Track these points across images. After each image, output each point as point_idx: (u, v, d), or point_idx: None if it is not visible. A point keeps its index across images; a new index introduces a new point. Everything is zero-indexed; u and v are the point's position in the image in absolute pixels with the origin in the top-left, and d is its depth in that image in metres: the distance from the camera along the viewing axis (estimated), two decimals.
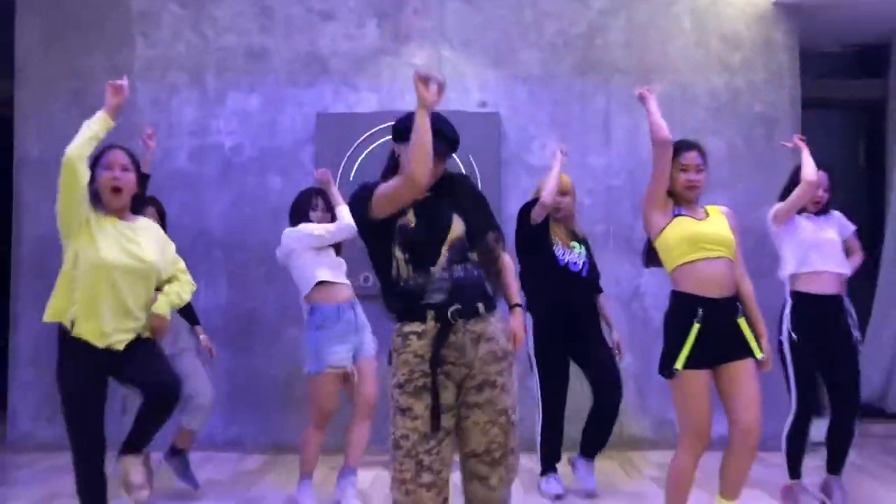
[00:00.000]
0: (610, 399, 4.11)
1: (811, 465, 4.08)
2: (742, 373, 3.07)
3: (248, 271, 5.42)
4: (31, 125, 5.55)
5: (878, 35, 6.23)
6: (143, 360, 3.13)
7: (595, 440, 4.18)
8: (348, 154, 5.35)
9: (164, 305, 3.19)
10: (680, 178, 3.21)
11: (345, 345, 3.83)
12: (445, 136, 2.49)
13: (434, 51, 5.55)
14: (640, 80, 5.45)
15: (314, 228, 3.91)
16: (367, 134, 5.36)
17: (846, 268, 3.93)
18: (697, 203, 3.26)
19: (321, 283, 3.83)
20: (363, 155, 5.32)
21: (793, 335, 3.80)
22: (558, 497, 4.09)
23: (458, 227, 2.50)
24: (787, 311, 3.87)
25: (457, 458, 2.48)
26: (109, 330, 3.02)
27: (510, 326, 2.74)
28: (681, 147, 3.24)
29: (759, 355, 3.07)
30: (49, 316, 3.12)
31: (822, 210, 4.01)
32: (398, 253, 2.44)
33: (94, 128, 3.03)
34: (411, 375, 2.40)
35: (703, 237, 3.11)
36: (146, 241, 3.16)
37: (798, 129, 5.48)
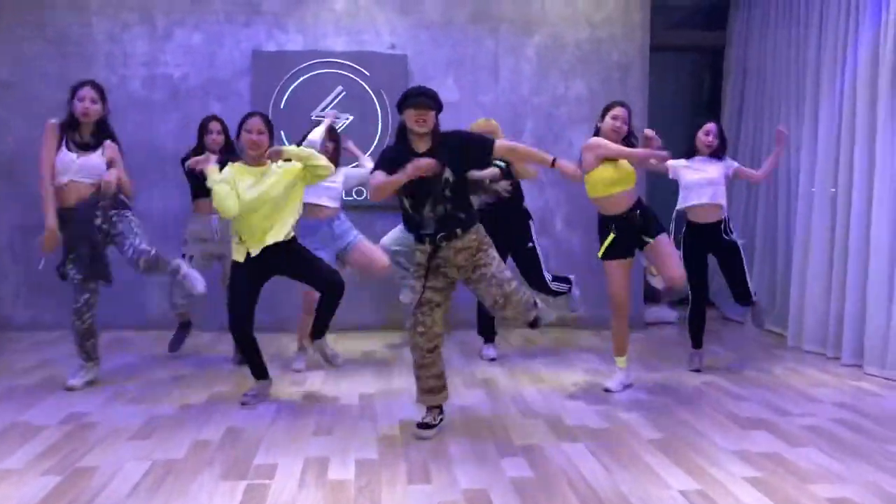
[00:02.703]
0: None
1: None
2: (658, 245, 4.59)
3: None
4: (1, 51, 6.35)
5: None
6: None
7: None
8: (279, 87, 6.39)
9: None
10: (610, 125, 4.53)
11: (325, 249, 5.00)
12: (425, 94, 3.75)
13: None
14: (523, 30, 6.67)
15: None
16: (295, 69, 6.39)
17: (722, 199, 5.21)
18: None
19: (306, 203, 4.90)
20: (291, 88, 6.37)
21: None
22: (493, 360, 5.55)
23: (447, 177, 3.70)
24: (683, 235, 5.25)
25: None
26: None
27: (561, 165, 3.88)
28: (613, 104, 4.60)
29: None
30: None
31: (714, 153, 5.23)
32: (404, 199, 3.78)
33: None
34: (417, 268, 3.86)
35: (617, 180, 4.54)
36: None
37: (646, 73, 6.80)
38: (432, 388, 3.93)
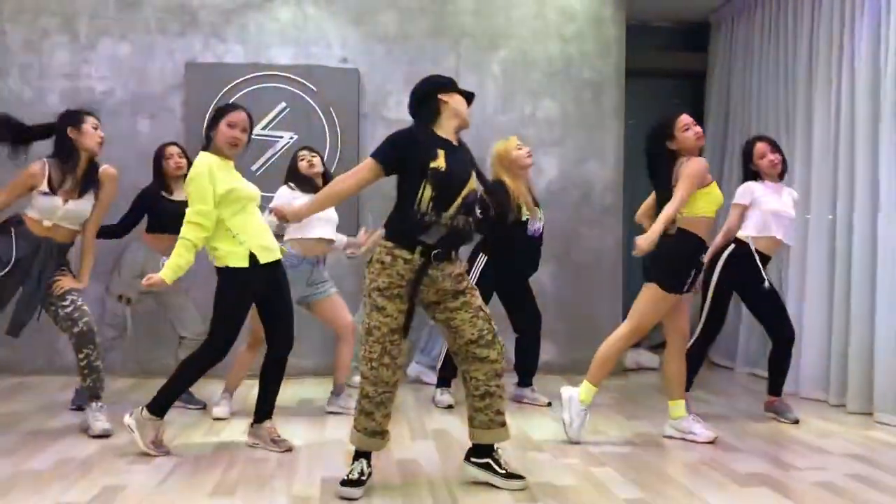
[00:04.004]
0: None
1: None
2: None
3: (118, 210, 5.75)
4: None
5: (701, 13, 7.04)
6: None
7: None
8: (215, 102, 5.73)
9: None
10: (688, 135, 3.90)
11: (295, 288, 4.23)
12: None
13: (299, 8, 5.97)
14: (486, 45, 6.10)
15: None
16: (233, 83, 5.76)
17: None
18: None
19: (309, 239, 4.47)
20: (230, 102, 5.72)
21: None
22: (450, 406, 4.77)
23: (473, 181, 3.15)
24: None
25: None
26: None
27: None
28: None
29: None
30: None
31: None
32: (427, 189, 3.03)
33: None
34: (391, 285, 3.05)
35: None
36: None
37: (622, 95, 6.23)
38: (379, 430, 3.17)
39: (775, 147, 4.61)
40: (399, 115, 5.99)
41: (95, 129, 4.05)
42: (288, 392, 4.97)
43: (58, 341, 5.65)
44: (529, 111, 6.12)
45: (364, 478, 3.13)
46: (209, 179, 3.56)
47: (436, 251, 3.07)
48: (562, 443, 3.98)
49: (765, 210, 4.50)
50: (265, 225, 3.80)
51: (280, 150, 5.77)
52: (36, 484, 3.18)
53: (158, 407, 3.67)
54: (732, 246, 4.50)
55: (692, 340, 4.50)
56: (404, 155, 3.11)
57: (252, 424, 3.88)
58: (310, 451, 3.78)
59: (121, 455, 3.62)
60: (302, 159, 4.58)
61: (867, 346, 4.73)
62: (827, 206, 5.22)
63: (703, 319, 4.56)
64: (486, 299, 4.74)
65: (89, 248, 4.17)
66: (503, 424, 3.28)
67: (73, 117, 4.05)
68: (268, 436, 3.81)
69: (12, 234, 3.93)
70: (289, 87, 5.80)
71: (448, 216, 3.07)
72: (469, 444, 3.34)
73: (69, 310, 3.97)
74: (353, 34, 6.00)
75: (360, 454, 3.19)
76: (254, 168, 5.66)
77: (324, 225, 4.46)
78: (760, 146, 4.59)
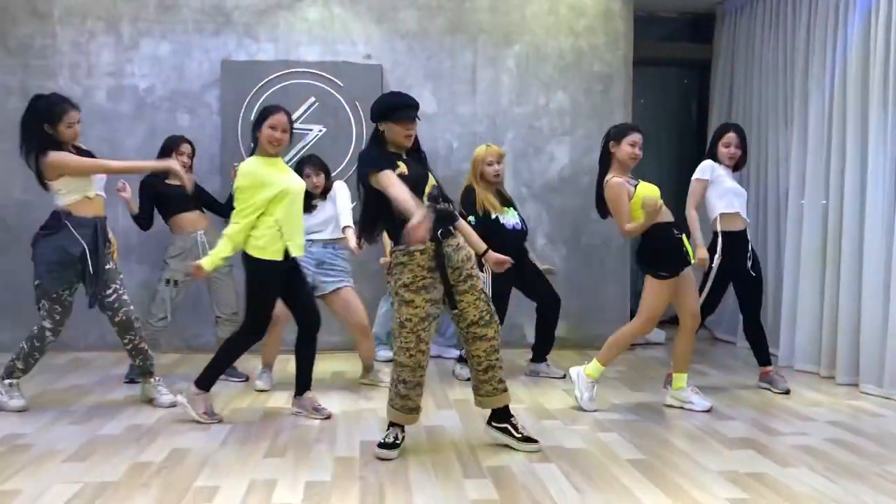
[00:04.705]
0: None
1: None
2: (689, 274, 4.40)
3: None
4: None
5: (707, 4, 7.34)
6: None
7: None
8: (248, 97, 6.15)
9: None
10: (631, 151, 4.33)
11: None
12: (413, 105, 3.54)
13: (326, 8, 6.36)
14: (501, 40, 6.47)
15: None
16: (266, 80, 6.17)
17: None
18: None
19: None
20: (262, 99, 6.12)
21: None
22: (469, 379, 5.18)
23: (432, 179, 3.57)
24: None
25: None
26: None
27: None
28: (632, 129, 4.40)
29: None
30: None
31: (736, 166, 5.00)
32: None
33: None
34: (415, 279, 3.45)
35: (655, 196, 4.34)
36: None
37: (630, 86, 6.60)
38: (415, 407, 3.63)
39: (742, 142, 4.95)
40: (420, 109, 6.39)
41: (70, 127, 4.20)
42: (322, 366, 5.42)
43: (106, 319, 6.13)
44: (543, 102, 6.49)
45: (398, 441, 3.59)
46: (254, 185, 3.98)
47: (439, 231, 3.46)
48: (572, 411, 4.42)
49: (727, 187, 4.90)
50: (301, 219, 4.23)
51: (310, 142, 6.19)
52: (113, 447, 3.66)
53: (205, 382, 4.15)
54: (721, 241, 4.87)
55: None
56: (390, 165, 3.48)
57: (294, 396, 4.34)
58: (347, 418, 4.25)
59: (180, 422, 4.10)
60: (307, 177, 4.79)
61: (854, 321, 5.12)
62: (820, 192, 5.57)
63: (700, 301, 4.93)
64: (508, 288, 5.20)
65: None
66: (505, 390, 3.72)
67: (55, 111, 4.17)
68: (309, 405, 4.28)
69: (69, 227, 4.21)
70: (317, 83, 6.20)
71: (427, 205, 3.45)
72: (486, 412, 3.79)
73: (111, 299, 4.35)
74: (376, 32, 6.38)
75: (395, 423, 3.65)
76: (286, 159, 6.07)
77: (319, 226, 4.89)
78: (731, 135, 4.94)
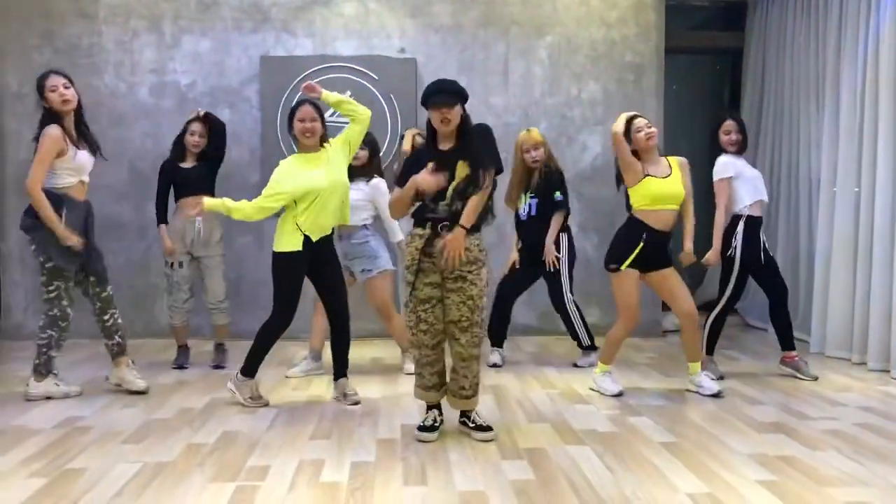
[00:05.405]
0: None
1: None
2: (670, 277, 4.51)
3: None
4: (9, 61, 6.37)
5: None
6: None
7: None
8: (287, 92, 6.32)
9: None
10: (639, 136, 4.47)
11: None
12: (444, 90, 3.57)
13: (361, 3, 6.50)
14: (533, 32, 6.57)
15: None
16: (304, 74, 6.32)
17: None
18: (658, 153, 4.52)
19: None
20: (300, 93, 6.27)
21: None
22: (496, 365, 5.39)
23: (462, 171, 3.57)
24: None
25: None
26: None
27: (445, 239, 3.59)
28: (634, 117, 4.54)
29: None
30: None
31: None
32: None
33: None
34: (411, 262, 3.64)
35: (664, 197, 4.45)
36: None
37: (661, 76, 6.66)
38: (433, 385, 3.79)
39: (741, 128, 4.99)
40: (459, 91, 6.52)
41: (53, 91, 4.31)
42: (359, 352, 5.61)
43: (153, 307, 6.39)
44: (575, 93, 6.58)
45: (437, 424, 3.75)
46: (284, 180, 4.18)
47: (442, 224, 3.59)
48: (604, 396, 4.54)
49: (750, 177, 4.96)
50: (342, 207, 4.34)
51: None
52: (167, 429, 3.87)
53: (248, 369, 4.33)
54: (743, 223, 4.91)
55: (716, 310, 5.01)
56: (414, 172, 3.61)
57: (334, 381, 4.52)
58: (387, 402, 4.42)
59: (229, 406, 4.30)
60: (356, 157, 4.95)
61: (887, 307, 5.17)
62: (853, 179, 5.60)
63: (728, 292, 4.98)
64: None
65: None
66: (468, 397, 3.74)
67: (38, 84, 4.36)
68: (341, 390, 4.45)
69: (74, 206, 4.38)
70: (353, 77, 6.35)
71: (444, 203, 3.59)
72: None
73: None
74: (411, 26, 6.51)
75: (431, 406, 3.80)
76: None
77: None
78: (729, 122, 4.99)
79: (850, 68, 5.64)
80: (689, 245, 4.58)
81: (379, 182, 5.07)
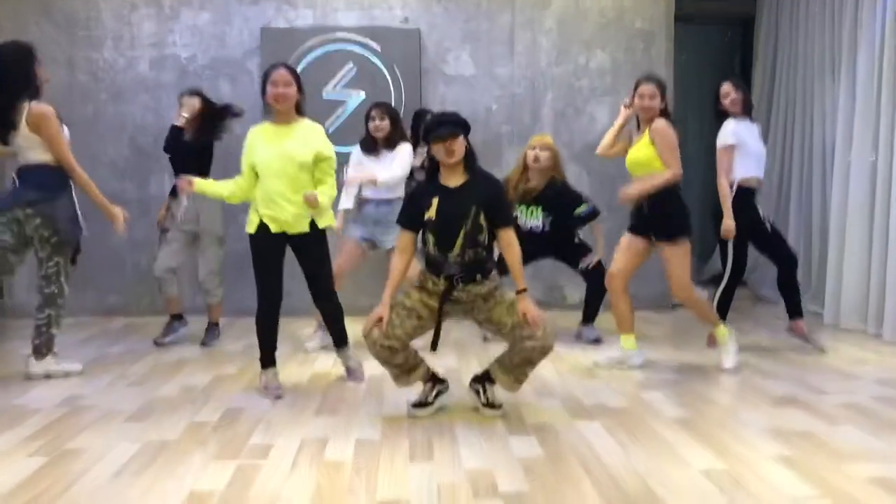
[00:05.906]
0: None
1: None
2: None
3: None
4: (6, 35, 6.23)
5: None
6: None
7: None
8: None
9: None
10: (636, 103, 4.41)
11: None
12: (446, 122, 3.41)
13: None
14: (539, 0, 6.39)
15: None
16: (304, 46, 6.20)
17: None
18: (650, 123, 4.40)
19: None
20: (302, 64, 6.17)
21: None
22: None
23: (475, 217, 3.40)
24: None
25: None
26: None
27: (523, 313, 3.42)
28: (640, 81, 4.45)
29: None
30: None
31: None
32: (429, 236, 3.48)
33: None
34: (423, 282, 3.52)
35: (630, 164, 4.48)
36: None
37: (671, 43, 6.49)
38: (398, 375, 3.70)
39: (738, 87, 4.86)
40: (457, 71, 6.41)
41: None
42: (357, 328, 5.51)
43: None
44: (583, 62, 6.43)
45: (430, 401, 3.68)
46: (247, 151, 3.98)
47: (457, 277, 3.45)
48: (616, 371, 4.45)
49: (752, 152, 4.82)
50: (288, 191, 3.92)
51: (350, 109, 6.22)
52: (170, 408, 3.80)
53: (261, 360, 4.14)
54: (733, 192, 4.76)
55: (722, 283, 4.91)
56: (416, 210, 3.51)
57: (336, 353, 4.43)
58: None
59: (233, 383, 4.23)
60: (372, 119, 4.90)
61: None
62: (868, 147, 5.47)
63: (729, 263, 4.85)
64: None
65: None
66: (518, 384, 3.64)
67: (33, 55, 4.26)
68: (345, 361, 4.36)
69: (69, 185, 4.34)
70: (355, 49, 6.21)
71: (454, 255, 3.42)
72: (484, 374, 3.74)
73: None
74: None
75: (425, 381, 3.71)
76: (326, 125, 6.13)
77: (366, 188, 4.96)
78: (725, 86, 4.86)
79: (868, 34, 5.48)
80: (630, 189, 4.48)
81: (404, 146, 4.93)
